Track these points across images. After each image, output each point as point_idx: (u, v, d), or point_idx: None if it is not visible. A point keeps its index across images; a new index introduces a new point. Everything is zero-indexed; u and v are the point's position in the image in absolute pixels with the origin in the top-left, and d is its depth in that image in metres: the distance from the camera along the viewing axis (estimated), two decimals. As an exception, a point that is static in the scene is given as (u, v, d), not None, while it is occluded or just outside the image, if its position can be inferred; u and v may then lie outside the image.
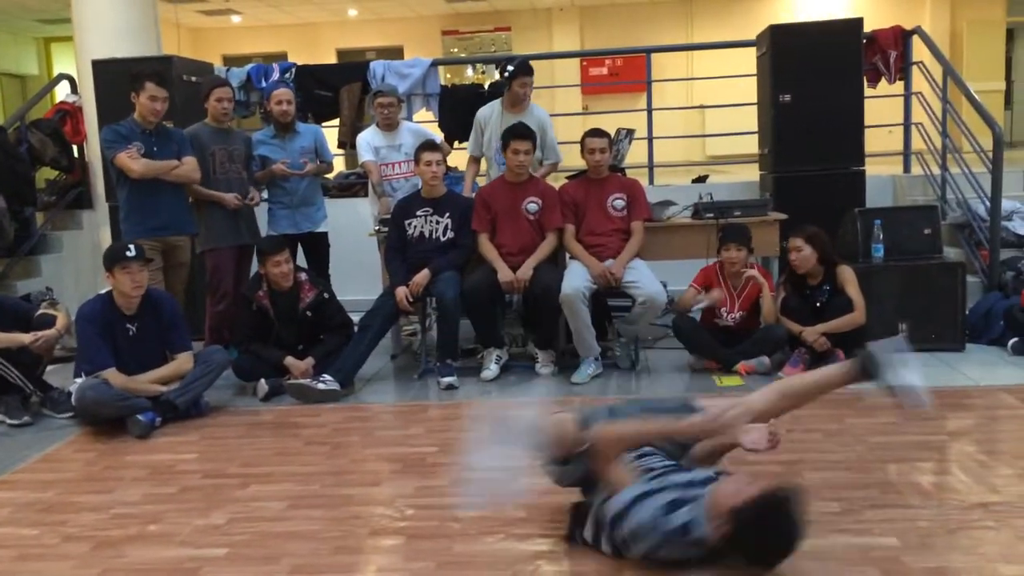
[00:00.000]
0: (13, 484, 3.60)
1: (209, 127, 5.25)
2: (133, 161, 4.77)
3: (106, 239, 6.24)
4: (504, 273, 4.89)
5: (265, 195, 5.61)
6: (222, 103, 5.21)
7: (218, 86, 5.28)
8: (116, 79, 5.62)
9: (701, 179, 7.22)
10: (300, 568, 2.70)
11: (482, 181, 5.76)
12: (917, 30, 6.60)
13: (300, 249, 5.55)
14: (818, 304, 4.69)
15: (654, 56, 7.42)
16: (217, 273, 5.27)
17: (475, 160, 5.71)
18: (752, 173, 6.79)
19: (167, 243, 4.99)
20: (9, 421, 4.40)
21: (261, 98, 6.86)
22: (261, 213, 5.58)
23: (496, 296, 5.01)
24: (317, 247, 5.64)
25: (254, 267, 5.15)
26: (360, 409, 4.51)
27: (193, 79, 6.12)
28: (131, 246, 4.26)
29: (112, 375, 4.17)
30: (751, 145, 6.67)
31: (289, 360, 4.72)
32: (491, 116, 5.54)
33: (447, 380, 4.72)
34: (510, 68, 5.36)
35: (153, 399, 4.24)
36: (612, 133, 5.42)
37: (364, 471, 3.57)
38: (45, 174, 7.45)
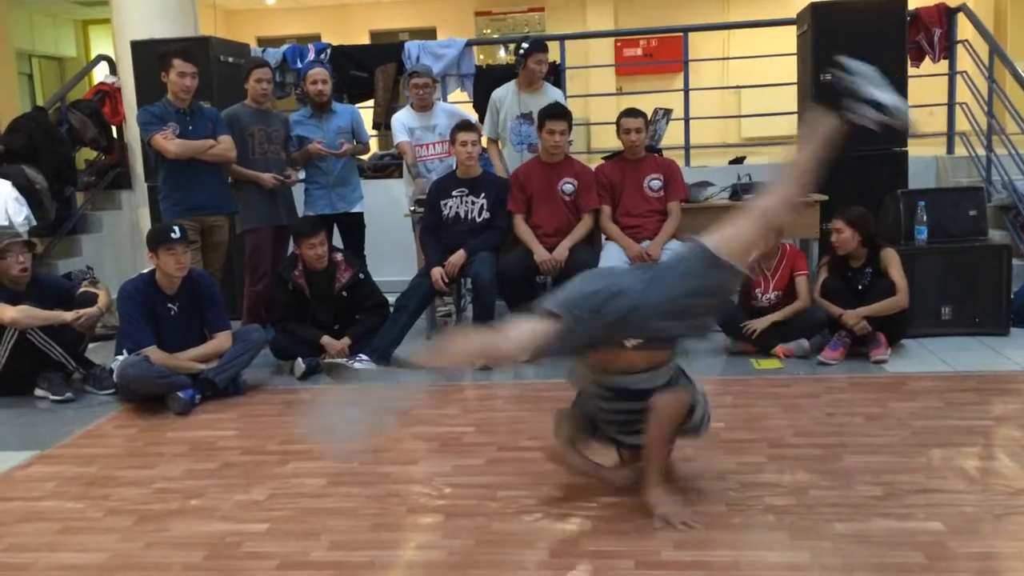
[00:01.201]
0: (57, 459, 3.66)
1: (248, 108, 5.27)
2: (168, 142, 4.80)
3: (145, 219, 6.30)
4: (540, 254, 4.87)
5: (302, 175, 5.63)
6: (261, 84, 5.22)
7: (258, 67, 5.30)
8: (154, 60, 5.64)
9: (738, 160, 7.14)
10: (339, 544, 2.72)
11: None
12: (962, 7, 6.44)
13: (336, 229, 5.57)
14: (860, 287, 4.61)
15: (690, 36, 7.32)
16: (255, 253, 5.30)
17: (493, 141, 5.67)
18: (789, 155, 6.68)
19: (205, 222, 5.03)
20: (52, 397, 4.47)
21: (297, 78, 6.88)
22: (298, 193, 5.60)
23: (532, 277, 4.99)
24: (353, 228, 5.65)
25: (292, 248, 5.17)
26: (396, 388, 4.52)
27: (230, 60, 6.15)
28: (176, 228, 4.30)
29: (153, 352, 4.22)
30: (787, 127, 6.56)
31: (325, 339, 4.74)
32: (506, 97, 5.50)
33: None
34: (524, 46, 5.32)
35: (193, 377, 4.29)
36: (648, 113, 5.36)
37: (401, 449, 3.58)
38: (85, 155, 7.55)
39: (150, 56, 5.80)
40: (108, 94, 7.21)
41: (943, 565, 2.42)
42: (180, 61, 4.82)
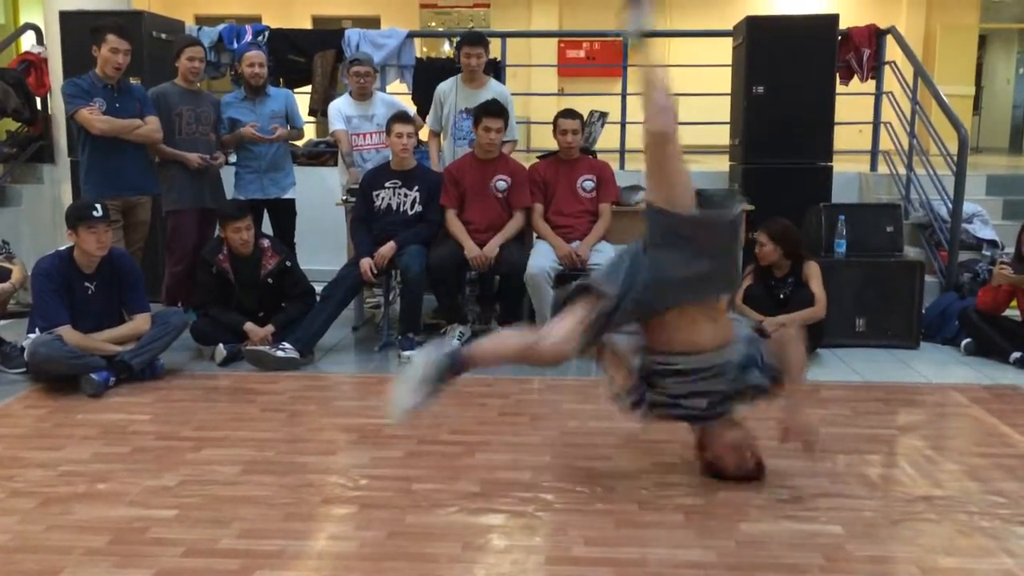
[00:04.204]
0: (-40, 438, 3.54)
1: (178, 87, 5.16)
2: (95, 118, 4.67)
3: (67, 195, 6.12)
4: (470, 249, 4.88)
5: (233, 159, 5.53)
6: (193, 63, 5.11)
7: (189, 45, 5.19)
8: (83, 32, 5.48)
9: (671, 166, 7.23)
10: (249, 532, 2.69)
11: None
12: (891, 30, 6.66)
13: (266, 215, 5.49)
14: (782, 296, 4.74)
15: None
16: (176, 234, 5.19)
17: (435, 135, 5.67)
18: (723, 163, 6.83)
19: (128, 202, 4.91)
20: (-41, 374, 4.32)
21: (232, 59, 6.75)
22: (228, 177, 5.50)
23: (461, 272, 5.00)
24: (283, 214, 5.58)
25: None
26: (319, 378, 4.48)
27: (163, 36, 6.01)
28: (98, 206, 4.19)
29: (67, 332, 4.11)
30: (723, 135, 6.70)
31: (248, 326, 4.67)
32: (450, 91, 5.50)
33: (408, 353, 4.71)
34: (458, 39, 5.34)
35: (108, 359, 4.18)
36: (585, 115, 5.41)
37: (319, 440, 3.55)
38: (6, 125, 7.28)
39: (80, 28, 5.64)
40: (34, 64, 6.96)
41: (840, 567, 2.51)
42: (114, 37, 4.69)
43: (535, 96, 10.21)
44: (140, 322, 4.36)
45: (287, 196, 5.56)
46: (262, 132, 5.29)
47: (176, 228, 5.18)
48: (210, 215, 5.27)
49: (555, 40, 12.75)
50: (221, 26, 7.05)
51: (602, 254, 4.86)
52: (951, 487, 3.08)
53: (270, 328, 4.70)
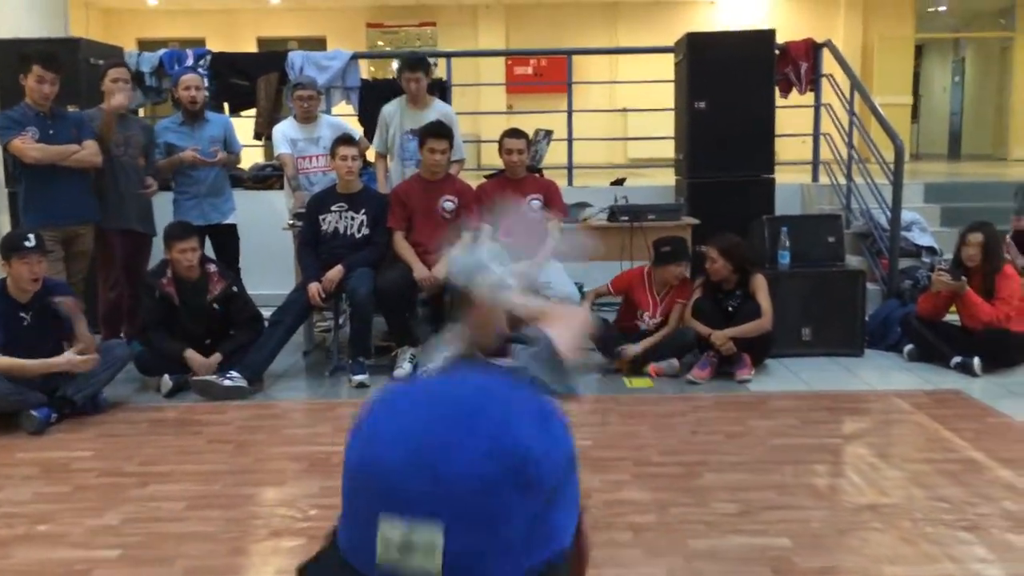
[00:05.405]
0: None
1: (103, 111, 5.07)
2: (28, 146, 4.58)
3: (4, 226, 5.97)
4: (419, 271, 4.86)
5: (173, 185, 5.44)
6: (117, 84, 5.01)
7: (113, 66, 5.10)
8: (16, 60, 5.37)
9: (619, 182, 7.31)
10: (194, 570, 2.64)
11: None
12: (827, 44, 6.80)
13: (208, 241, 5.41)
14: (730, 308, 4.80)
15: (578, 58, 7.49)
16: (104, 256, 5.08)
17: (381, 156, 5.65)
18: (670, 177, 6.91)
19: (67, 231, 4.80)
20: None
21: (173, 84, 6.66)
22: (162, 204, 5.41)
23: (411, 294, 4.98)
24: (225, 239, 5.50)
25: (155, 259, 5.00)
26: (268, 407, 4.43)
27: (100, 63, 5.90)
28: (31, 235, 4.09)
29: (3, 360, 3.97)
30: (670, 149, 6.78)
31: (189, 354, 4.56)
32: (395, 112, 5.50)
33: (359, 378, 4.68)
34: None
35: (48, 394, 4.08)
36: (531, 134, 5.44)
37: (268, 470, 3.51)
38: (-60, 156, 7.10)
39: (13, 55, 5.53)
40: (-32, 92, 6.80)
41: (788, 579, 2.54)
42: (39, 68, 4.59)
43: (484, 115, 10.26)
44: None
45: (228, 221, 5.48)
46: (203, 156, 5.23)
47: (104, 251, 5.06)
48: (139, 240, 5.17)
49: (502, 58, 12.82)
50: (162, 51, 6.96)
51: (551, 272, 4.88)
52: (896, 495, 3.14)
53: (217, 357, 4.61)
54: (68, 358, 4.08)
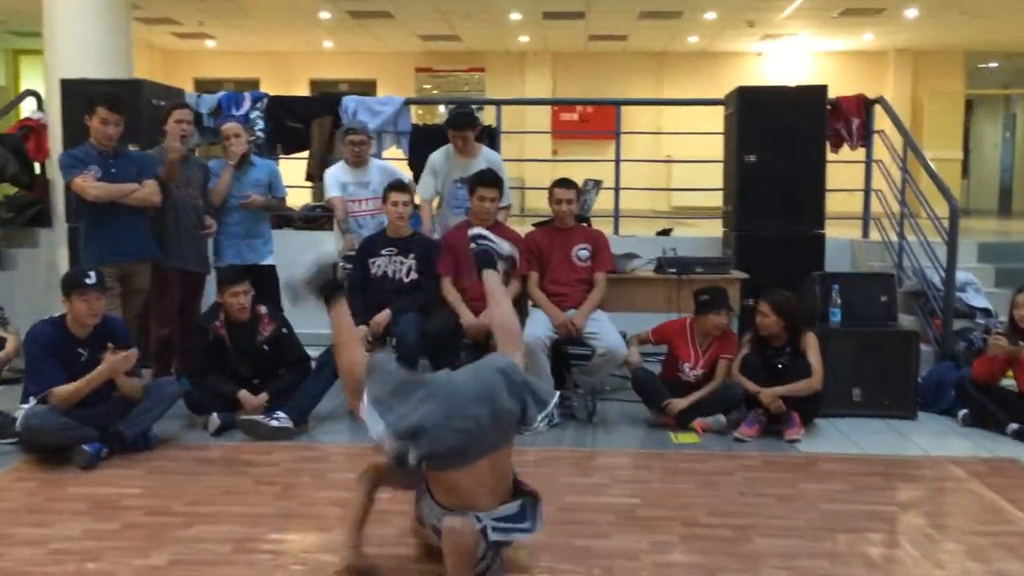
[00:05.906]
0: (-53, 513, 3.48)
1: (165, 151, 5.19)
2: (88, 184, 4.69)
3: (63, 260, 6.12)
4: (467, 318, 4.88)
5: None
6: (181, 125, 5.13)
7: (177, 107, 5.23)
8: (83, 100, 5.55)
9: (665, 232, 7.31)
10: (242, 617, 2.63)
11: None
12: (880, 100, 6.78)
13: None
14: (779, 365, 4.73)
15: (624, 107, 7.52)
16: (161, 295, 5.16)
17: (427, 203, 5.70)
18: (715, 228, 6.89)
19: (126, 268, 4.90)
20: (-52, 445, 4.26)
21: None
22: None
23: (457, 340, 4.99)
24: (262, 280, 5.54)
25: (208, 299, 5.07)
26: (313, 448, 4.44)
27: (162, 103, 6.06)
28: (91, 273, 4.18)
29: (58, 389, 4.04)
30: (716, 199, 6.77)
31: (242, 394, 4.64)
32: (443, 161, 5.55)
33: None
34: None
35: (100, 430, 4.13)
36: (580, 183, 5.47)
37: (313, 515, 3.50)
38: (5, 190, 7.32)
39: (80, 95, 5.70)
40: (33, 130, 7.02)
41: (843, 655, 2.46)
42: (104, 110, 4.72)
43: (529, 162, 10.33)
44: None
45: (266, 262, 5.55)
46: (236, 197, 5.34)
47: (160, 288, 5.16)
48: (194, 279, 5.26)
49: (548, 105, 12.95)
50: (220, 93, 7.14)
51: (597, 323, 4.87)
52: (952, 568, 3.04)
53: (264, 396, 4.66)
54: (108, 362, 4.10)
